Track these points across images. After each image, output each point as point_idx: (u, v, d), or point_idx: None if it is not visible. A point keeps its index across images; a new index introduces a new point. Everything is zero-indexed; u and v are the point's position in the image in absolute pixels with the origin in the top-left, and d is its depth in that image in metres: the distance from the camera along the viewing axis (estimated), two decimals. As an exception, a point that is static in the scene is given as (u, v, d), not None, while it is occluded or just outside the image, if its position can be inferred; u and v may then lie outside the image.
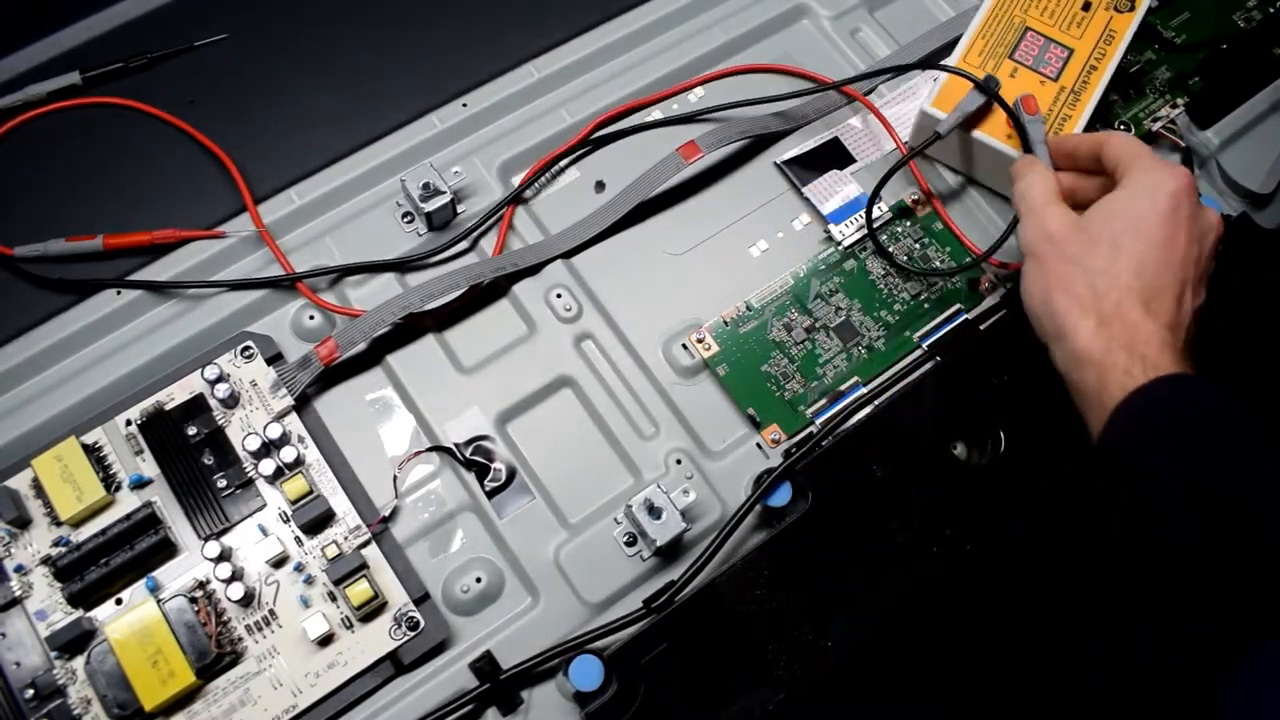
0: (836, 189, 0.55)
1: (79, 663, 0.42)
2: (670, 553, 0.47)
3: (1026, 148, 0.51)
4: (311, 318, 0.51)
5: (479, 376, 0.50)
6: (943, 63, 0.54)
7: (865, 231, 0.54)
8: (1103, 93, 0.54)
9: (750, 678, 0.44)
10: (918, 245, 0.55)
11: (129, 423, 0.47)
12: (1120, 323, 0.42)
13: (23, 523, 0.44)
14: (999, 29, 0.55)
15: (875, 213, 0.54)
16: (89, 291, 0.50)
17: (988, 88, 0.52)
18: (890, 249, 0.54)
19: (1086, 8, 0.55)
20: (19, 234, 0.50)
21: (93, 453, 0.45)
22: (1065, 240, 0.45)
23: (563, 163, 0.55)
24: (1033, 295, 0.45)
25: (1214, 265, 0.46)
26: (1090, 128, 0.54)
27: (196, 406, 0.47)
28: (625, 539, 0.47)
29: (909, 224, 0.55)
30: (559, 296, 0.52)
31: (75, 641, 0.42)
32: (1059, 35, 0.55)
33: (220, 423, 0.47)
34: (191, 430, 0.46)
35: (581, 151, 0.56)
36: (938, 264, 0.54)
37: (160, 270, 0.51)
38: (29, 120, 0.54)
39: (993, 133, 0.52)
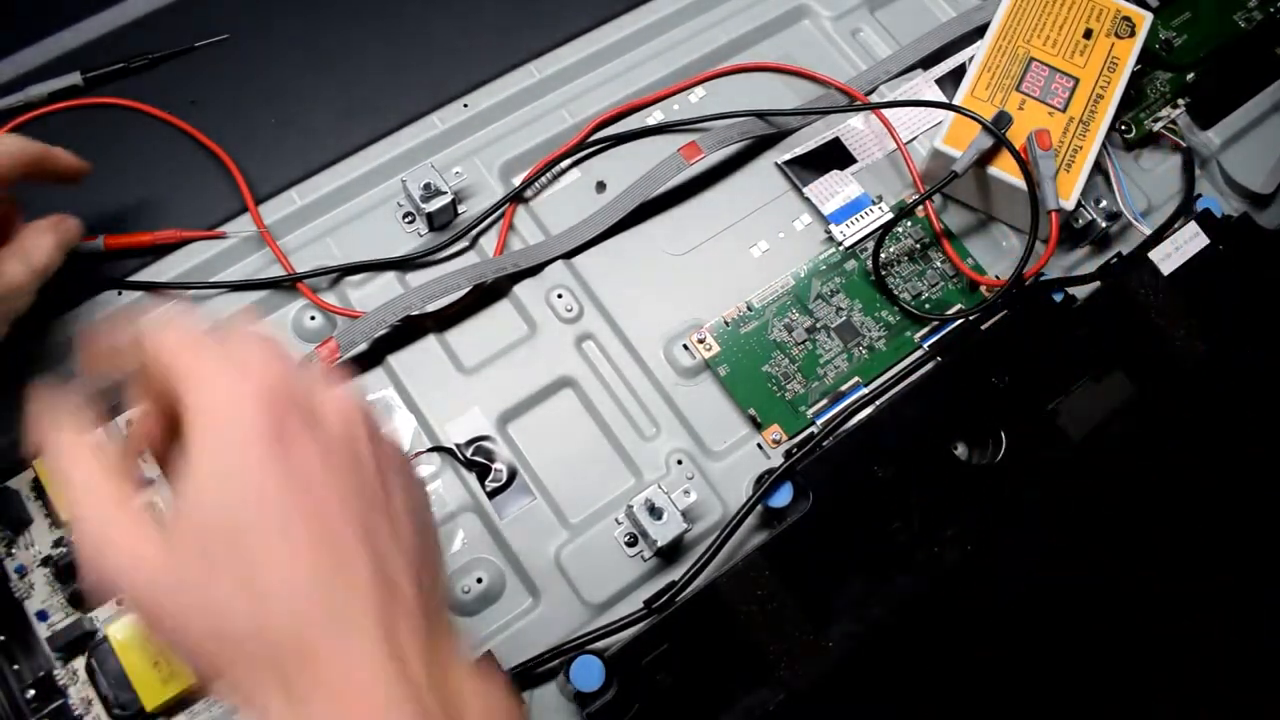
0: (837, 189, 0.55)
1: (80, 663, 0.42)
2: (671, 553, 0.47)
3: (1031, 186, 0.50)
4: (312, 318, 0.51)
5: (480, 377, 0.50)
6: (954, 102, 0.53)
7: (870, 253, 0.54)
8: (1111, 120, 0.54)
9: (751, 678, 0.44)
10: (918, 246, 0.55)
11: (130, 423, 0.47)
12: (307, 678, 0.24)
13: (23, 524, 0.44)
14: (1004, 61, 0.55)
15: (874, 213, 0.54)
16: (90, 292, 0.50)
17: (997, 126, 0.51)
18: (890, 248, 0.54)
19: (1088, 35, 0.55)
20: (20, 234, 0.50)
21: (94, 453, 0.45)
22: (153, 572, 0.25)
23: (564, 163, 0.55)
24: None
25: (409, 481, 0.29)
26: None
27: (197, 407, 0.47)
28: (626, 539, 0.47)
29: (909, 224, 0.55)
30: (560, 297, 0.52)
31: (76, 642, 0.42)
32: (1063, 65, 0.55)
33: (221, 423, 0.47)
34: (192, 431, 0.46)
35: (584, 153, 0.56)
36: (938, 263, 0.54)
37: (161, 271, 0.51)
38: (29, 120, 0.54)
39: (1006, 168, 0.52)
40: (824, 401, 0.51)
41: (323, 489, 0.25)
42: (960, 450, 0.51)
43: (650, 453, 0.50)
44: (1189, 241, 0.55)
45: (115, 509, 0.26)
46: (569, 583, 0.47)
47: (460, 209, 0.53)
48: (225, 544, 0.25)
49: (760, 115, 0.56)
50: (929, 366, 0.51)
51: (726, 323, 0.52)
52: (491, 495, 0.48)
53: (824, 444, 0.48)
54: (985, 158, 0.52)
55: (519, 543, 0.47)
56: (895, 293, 0.53)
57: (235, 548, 0.25)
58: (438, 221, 0.52)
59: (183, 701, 0.42)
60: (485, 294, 0.52)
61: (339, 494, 0.26)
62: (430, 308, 0.50)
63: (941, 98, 0.58)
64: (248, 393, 0.25)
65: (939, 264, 0.54)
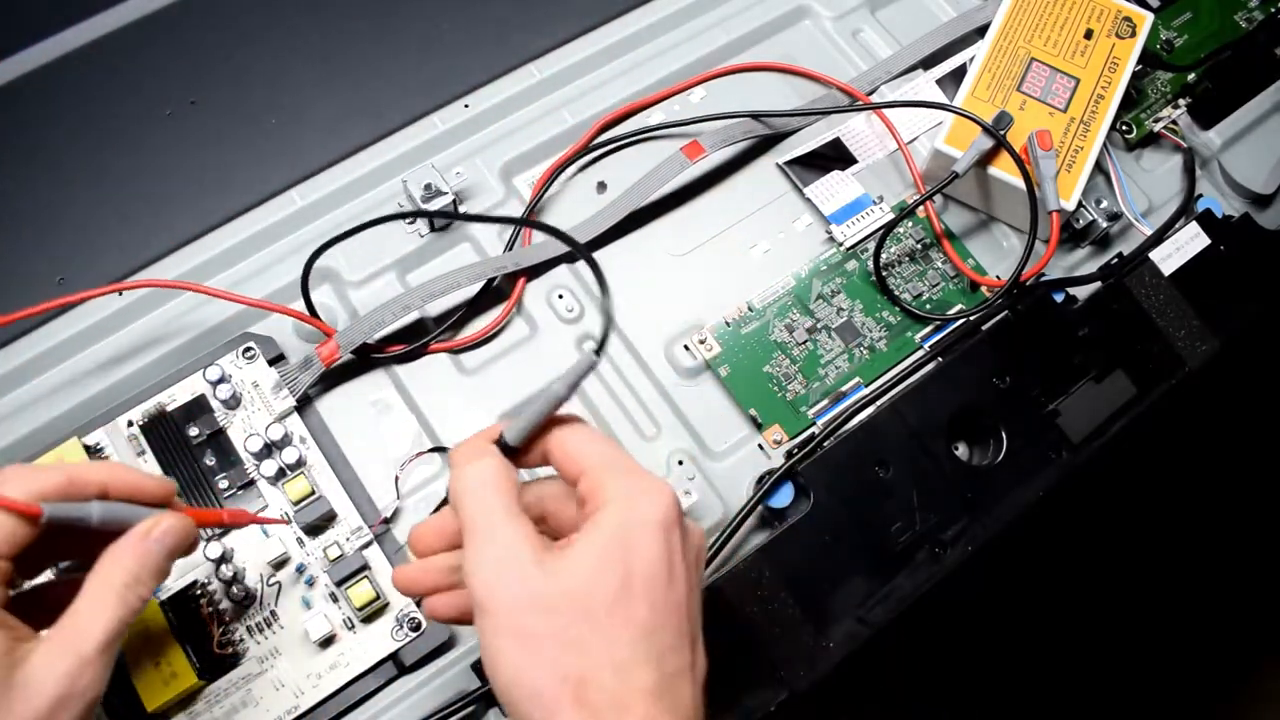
0: (838, 190, 0.55)
1: (81, 663, 0.42)
2: (672, 553, 0.47)
3: (1031, 187, 0.51)
4: (313, 318, 0.51)
5: (481, 377, 0.50)
6: (954, 103, 0.54)
7: (871, 258, 0.54)
8: (1112, 121, 0.54)
9: (752, 678, 0.44)
10: (919, 246, 0.55)
11: (131, 424, 0.47)
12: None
13: (25, 523, 0.44)
14: (1004, 61, 0.55)
15: (875, 214, 0.54)
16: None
17: (996, 128, 0.51)
18: (891, 249, 0.54)
19: (1089, 35, 0.55)
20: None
21: (95, 454, 0.45)
22: (544, 601, 0.31)
23: (570, 170, 0.55)
24: (507, 674, 0.31)
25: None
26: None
27: (198, 407, 0.47)
28: (627, 540, 0.47)
29: (910, 224, 0.55)
30: (561, 298, 0.52)
31: (78, 642, 0.42)
32: (1064, 65, 0.55)
33: (222, 424, 0.47)
34: (193, 431, 0.46)
35: (589, 159, 0.56)
36: (939, 264, 0.54)
37: (162, 271, 0.51)
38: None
39: (1007, 168, 0.52)
40: (825, 402, 0.51)
41: (684, 587, 0.33)
42: (960, 450, 0.51)
43: (651, 453, 0.50)
44: (1190, 242, 0.55)
45: (512, 504, 0.33)
46: (570, 583, 0.46)
47: (461, 209, 0.53)
48: (607, 602, 0.32)
49: (761, 116, 0.56)
50: (929, 366, 0.51)
51: (727, 323, 0.52)
52: (492, 495, 0.48)
53: (825, 444, 0.48)
54: (986, 158, 0.52)
55: (520, 543, 0.47)
56: (896, 293, 0.53)
57: (616, 605, 0.32)
58: (439, 222, 0.52)
59: (183, 701, 0.42)
60: (486, 294, 0.52)
61: (689, 595, 0.34)
62: (430, 308, 0.50)
63: (942, 98, 0.58)
64: (657, 519, 0.33)
65: (940, 264, 0.54)
